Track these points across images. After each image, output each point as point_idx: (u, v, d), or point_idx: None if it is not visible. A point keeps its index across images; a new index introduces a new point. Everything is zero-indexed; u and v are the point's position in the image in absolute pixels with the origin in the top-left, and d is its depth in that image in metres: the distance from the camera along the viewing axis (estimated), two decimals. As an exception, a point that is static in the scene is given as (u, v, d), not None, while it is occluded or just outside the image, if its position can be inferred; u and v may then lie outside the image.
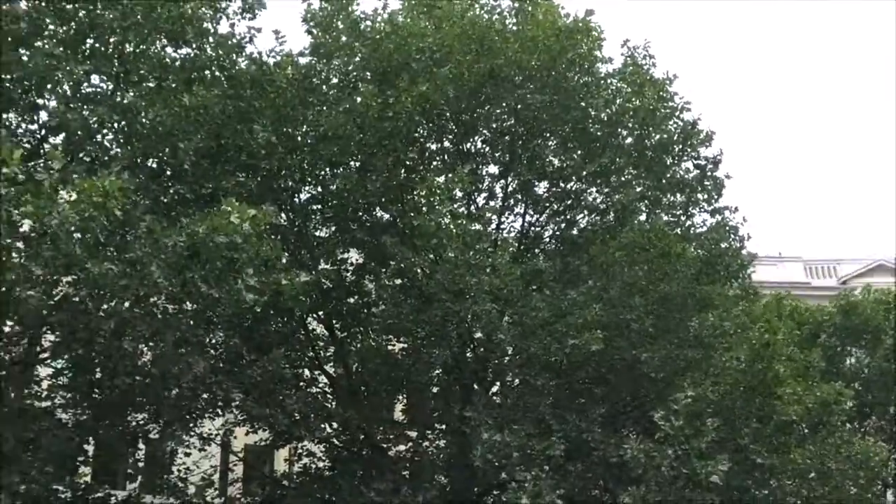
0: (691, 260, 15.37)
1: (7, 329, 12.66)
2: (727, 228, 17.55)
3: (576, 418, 14.37)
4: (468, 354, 15.90)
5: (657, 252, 14.87)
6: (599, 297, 14.57)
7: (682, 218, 17.90)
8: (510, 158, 17.08)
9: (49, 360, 14.24)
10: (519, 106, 16.38)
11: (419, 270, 14.71)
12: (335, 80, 16.06)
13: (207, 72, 14.47)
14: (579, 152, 17.05)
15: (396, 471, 15.43)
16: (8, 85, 13.58)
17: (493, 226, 16.78)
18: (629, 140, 17.34)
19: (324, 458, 16.90)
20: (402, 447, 16.65)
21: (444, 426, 16.74)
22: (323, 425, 14.85)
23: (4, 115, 14.45)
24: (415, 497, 14.31)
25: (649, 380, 14.79)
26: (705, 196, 17.86)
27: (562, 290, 14.51)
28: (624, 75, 17.27)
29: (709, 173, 17.83)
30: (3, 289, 12.17)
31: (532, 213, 17.73)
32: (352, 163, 15.86)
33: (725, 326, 15.15)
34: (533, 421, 13.90)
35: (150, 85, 14.03)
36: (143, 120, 13.12)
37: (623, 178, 17.37)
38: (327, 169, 15.87)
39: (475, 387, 15.76)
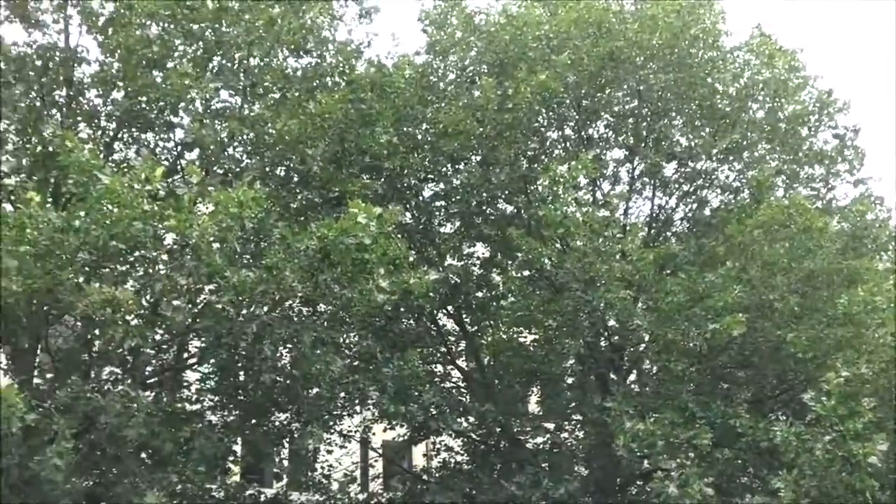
0: (835, 234, 14.64)
1: (157, 337, 13.26)
2: (872, 199, 16.61)
3: (720, 404, 13.92)
4: (602, 343, 15.66)
5: (798, 228, 14.20)
6: (739, 278, 14.02)
7: (823, 191, 17.11)
8: (635, 141, 16.70)
9: (196, 365, 14.90)
10: (642, 87, 16.01)
11: (547, 261, 14.55)
12: (452, 76, 16.14)
13: (328, 79, 14.82)
14: (708, 130, 16.54)
15: (535, 463, 15.32)
16: (144, 107, 14.32)
17: (621, 211, 16.43)
18: (761, 114, 16.70)
19: (462, 452, 17.00)
20: (539, 439, 16.54)
21: (581, 417, 16.58)
22: (459, 419, 14.91)
23: (143, 136, 15.25)
24: (556, 489, 14.18)
25: (796, 361, 14.11)
26: (846, 167, 16.97)
27: (698, 272, 14.04)
28: (751, 47, 16.61)
29: (849, 143, 16.93)
30: (152, 299, 12.86)
31: (661, 195, 17.31)
32: (473, 157, 15.88)
33: (877, 302, 14.27)
34: (675, 408, 13.51)
35: (275, 96, 14.49)
36: (271, 130, 13.51)
37: (756, 154, 16.73)
38: (449, 165, 15.96)
39: (611, 376, 15.49)
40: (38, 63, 14.11)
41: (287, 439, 16.35)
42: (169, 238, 11.33)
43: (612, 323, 14.86)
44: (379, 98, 14.22)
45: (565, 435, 16.62)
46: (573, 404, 17.02)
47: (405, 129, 14.94)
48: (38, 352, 13.39)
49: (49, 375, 13.22)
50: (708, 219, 16.82)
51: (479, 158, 15.79)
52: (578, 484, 14.86)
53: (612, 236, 13.85)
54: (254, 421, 14.98)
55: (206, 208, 11.35)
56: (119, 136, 15.10)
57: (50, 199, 12.96)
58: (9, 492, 11.71)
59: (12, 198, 13.41)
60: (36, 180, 13.38)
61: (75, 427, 10.91)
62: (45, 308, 11.34)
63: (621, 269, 13.55)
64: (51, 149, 13.04)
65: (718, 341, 13.73)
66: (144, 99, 14.11)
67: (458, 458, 17.03)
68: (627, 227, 15.76)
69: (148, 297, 12.80)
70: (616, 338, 15.29)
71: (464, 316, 16.89)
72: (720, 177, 17.25)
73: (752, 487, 14.56)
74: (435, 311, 16.42)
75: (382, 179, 15.01)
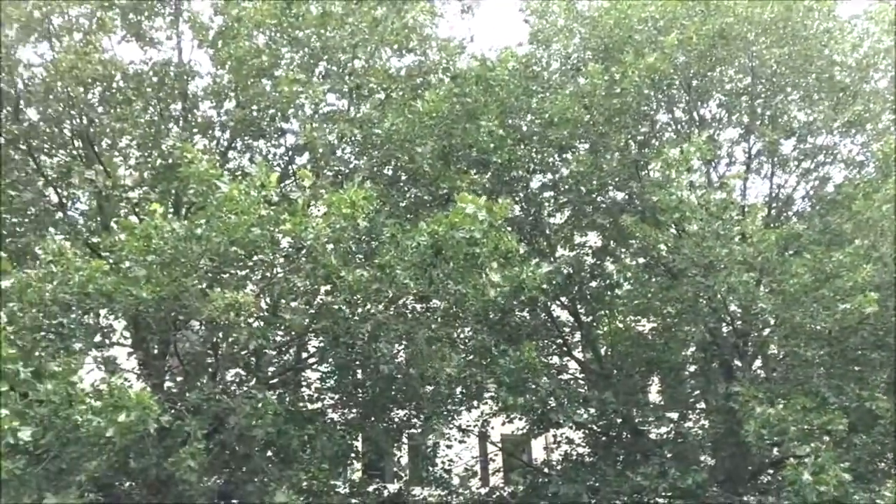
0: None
1: (278, 338, 13.59)
2: None
3: (854, 387, 13.27)
4: (724, 329, 15.18)
5: (931, 201, 13.38)
6: (868, 255, 13.32)
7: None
8: (750, 119, 16.11)
9: (316, 365, 15.21)
10: (754, 63, 15.43)
11: (663, 247, 14.19)
12: (556, 65, 15.93)
13: (432, 76, 14.87)
14: (827, 103, 15.78)
15: (660, 454, 14.99)
16: (256, 115, 14.70)
17: (738, 192, 15.87)
18: (883, 83, 15.85)
19: (583, 444, 16.81)
20: (663, 429, 16.17)
21: (705, 405, 16.12)
22: (580, 410, 14.73)
23: (255, 143, 15.68)
24: (684, 479, 13.83)
25: (936, 339, 13.34)
26: (977, 134, 15.87)
27: (824, 252, 13.40)
28: (870, 15, 15.76)
29: None
30: (272, 302, 13.20)
31: (780, 173, 16.62)
32: (581, 145, 15.63)
33: None
34: (806, 394, 12.96)
35: (380, 96, 14.64)
36: (377, 130, 13.64)
37: (880, 126, 15.86)
38: (557, 155, 15.76)
39: (736, 363, 14.99)
40: (155, 79, 14.69)
41: (406, 435, 16.56)
42: (285, 241, 11.59)
43: (734, 308, 14.38)
44: (484, 92, 14.14)
45: (689, 424, 16.19)
46: (696, 393, 16.60)
47: (510, 121, 14.81)
48: (168, 356, 13.95)
49: (179, 379, 13.75)
50: (832, 196, 16.05)
51: (587, 146, 15.53)
52: (706, 474, 14.46)
53: (731, 218, 13.39)
54: (373, 418, 15.20)
55: (319, 210, 11.55)
56: (233, 144, 15.57)
57: (171, 210, 13.48)
58: (147, 491, 12.25)
59: (137, 210, 14.03)
60: (158, 192, 13.94)
61: (206, 428, 11.29)
62: (172, 314, 11.76)
63: (742, 252, 13.08)
64: (170, 161, 13.57)
65: (849, 322, 13.08)
66: (255, 107, 14.50)
67: (580, 450, 16.84)
68: (746, 209, 15.20)
69: (267, 299, 13.18)
70: (739, 323, 14.78)
71: (578, 307, 16.67)
72: (843, 151, 16.45)
73: (891, 473, 13.84)
74: (549, 303, 16.26)
75: (490, 173, 14.94)
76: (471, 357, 14.77)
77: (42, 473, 9.92)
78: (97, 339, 12.15)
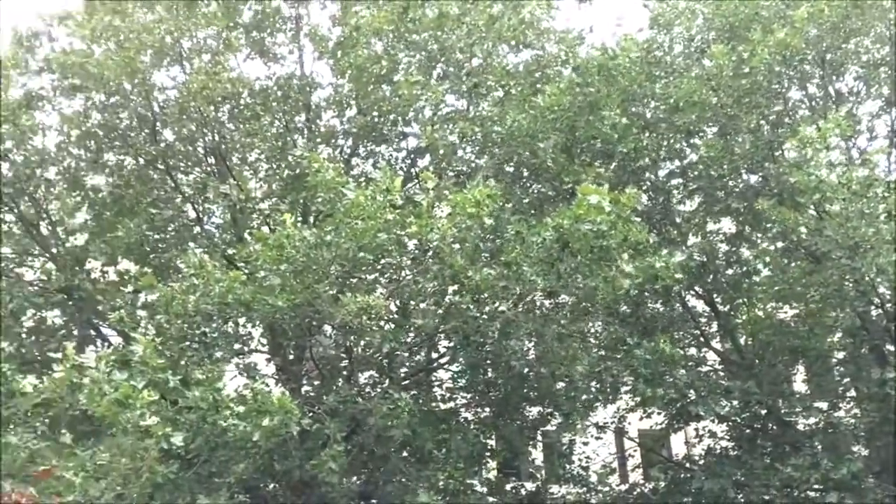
0: None
1: (409, 339, 13.73)
2: None
3: None
4: (874, 313, 14.35)
5: None
6: None
7: None
8: (891, 91, 15.16)
9: (447, 365, 15.28)
10: (893, 31, 14.46)
11: (803, 230, 13.51)
12: (679, 48, 15.43)
13: (550, 70, 14.70)
14: (975, 67, 14.66)
15: (810, 445, 14.30)
16: (377, 121, 14.94)
17: (882, 168, 14.97)
18: None
19: (726, 437, 16.25)
20: (811, 420, 15.43)
21: (856, 392, 15.29)
22: (722, 402, 14.21)
23: (378, 148, 15.93)
24: (837, 470, 13.15)
25: None
26: None
27: None
28: None
29: None
30: (401, 304, 13.35)
31: (926, 145, 15.57)
32: (709, 129, 15.09)
33: None
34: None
35: (498, 94, 14.58)
36: (497, 128, 13.58)
37: None
38: (684, 140, 15.27)
39: (888, 347, 14.15)
40: (279, 93, 15.15)
41: (541, 433, 16.42)
42: (411, 244, 11.69)
43: (883, 290, 13.54)
44: (605, 81, 13.85)
45: (840, 413, 15.38)
46: (846, 380, 15.76)
47: (634, 108, 14.45)
48: (303, 361, 14.33)
49: (316, 383, 14.10)
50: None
51: (716, 130, 14.98)
52: (861, 464, 13.71)
53: (876, 196, 12.59)
54: (506, 417, 15.14)
55: (444, 211, 11.59)
56: (356, 151, 15.87)
57: (301, 219, 13.84)
58: (290, 492, 12.61)
59: (268, 220, 14.50)
60: (287, 202, 14.35)
61: (344, 430, 11.51)
62: (306, 320, 12.05)
63: (890, 231, 12.30)
64: (297, 171, 13.95)
65: None
66: (376, 113, 14.74)
67: (723, 443, 16.29)
68: (892, 185, 14.31)
69: (397, 302, 13.33)
70: (890, 306, 13.91)
71: (714, 296, 16.10)
72: None
73: None
74: (683, 293, 15.78)
75: (615, 164, 14.62)
76: (602, 352, 14.52)
77: (193, 477, 10.37)
78: (237, 346, 12.58)
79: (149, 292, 11.44)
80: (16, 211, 13.97)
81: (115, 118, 14.48)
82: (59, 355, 12.75)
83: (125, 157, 14.98)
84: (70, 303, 13.89)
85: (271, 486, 12.83)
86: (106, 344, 13.92)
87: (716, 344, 16.71)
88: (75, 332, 14.22)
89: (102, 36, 13.56)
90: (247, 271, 11.39)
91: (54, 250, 14.35)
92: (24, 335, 13.64)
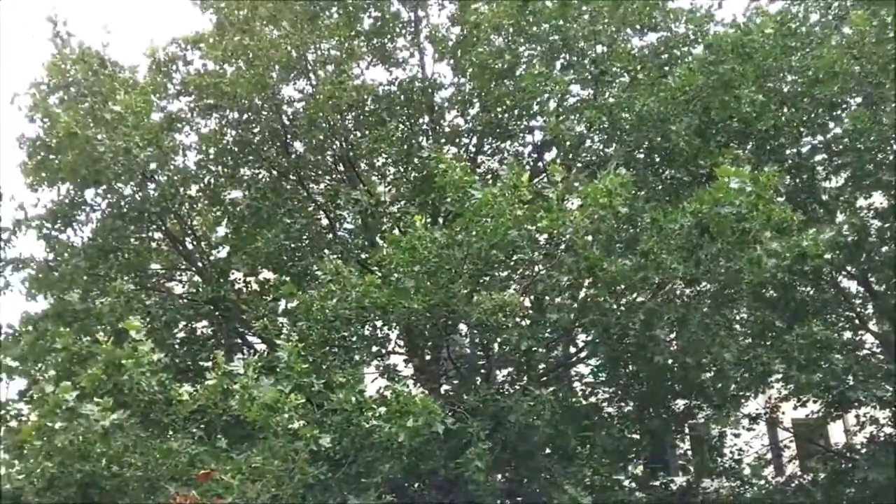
0: None
1: (545, 335, 13.56)
2: None
3: None
4: None
5: None
6: None
7: None
8: None
9: (586, 359, 15.03)
10: None
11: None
12: (815, 17, 14.64)
13: (678, 51, 14.25)
14: None
15: None
16: (501, 116, 14.86)
17: None
18: None
19: (890, 423, 15.30)
20: None
21: None
22: (885, 386, 13.36)
23: (502, 144, 15.86)
24: None
25: None
26: None
27: None
28: None
29: None
30: (535, 299, 13.22)
31: None
32: (853, 100, 14.22)
33: None
34: None
35: (624, 80, 14.24)
36: (626, 115, 13.25)
37: None
38: (826, 114, 14.45)
39: None
40: (402, 97, 15.31)
41: (688, 426, 15.94)
42: (542, 238, 11.54)
43: None
44: (739, 58, 13.25)
45: None
46: None
47: (770, 84, 13.76)
48: (441, 361, 14.41)
49: (455, 382, 14.15)
50: None
51: (860, 100, 14.09)
52: None
53: None
54: (651, 410, 14.77)
55: (574, 204, 11.38)
56: (481, 149, 15.85)
57: (430, 219, 13.92)
58: (436, 492, 12.69)
59: (399, 223, 14.66)
60: (416, 204, 14.47)
61: (486, 428, 11.49)
62: (441, 320, 12.10)
63: None
64: (424, 172, 14.04)
65: None
66: (500, 109, 14.66)
67: (887, 430, 15.35)
68: None
69: (531, 297, 13.21)
70: None
71: (869, 276, 15.17)
72: None
73: None
74: (834, 274, 14.95)
75: (752, 143, 13.99)
76: (749, 340, 13.92)
77: (342, 477, 10.58)
78: (375, 349, 12.77)
79: (289, 300, 11.76)
80: (163, 228, 14.65)
81: (249, 134, 15.00)
82: (210, 364, 13.38)
83: (259, 170, 15.50)
84: (217, 313, 14.46)
85: (416, 485, 12.95)
86: (252, 351, 14.42)
87: (873, 326, 15.75)
88: (223, 341, 14.78)
89: (233, 55, 14.07)
90: (381, 275, 11.52)
91: (200, 264, 14.97)
92: (176, 346, 14.27)
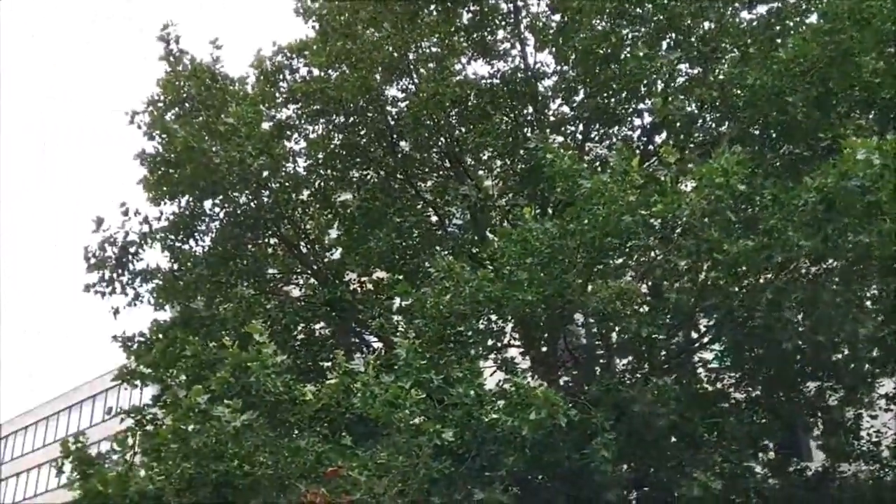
0: None
1: (665, 321, 13.24)
2: None
3: None
4: None
5: None
6: None
7: None
8: None
9: (709, 344, 14.59)
10: None
11: None
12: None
13: (790, 21, 13.66)
14: None
15: None
16: (607, 101, 14.58)
17: None
18: None
19: None
20: None
21: None
22: None
23: (610, 130, 15.56)
24: None
25: None
26: None
27: None
28: None
29: None
30: (653, 285, 12.92)
31: None
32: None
33: None
34: None
35: (734, 55, 13.75)
36: (738, 91, 12.80)
37: None
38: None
39: None
40: (505, 89, 15.20)
41: (820, 409, 15.29)
42: (657, 223, 11.25)
43: None
44: (856, 25, 12.57)
45: None
46: None
47: (891, 49, 13.00)
48: (558, 352, 14.25)
49: (574, 373, 13.97)
50: None
51: None
52: None
53: None
54: (781, 394, 14.22)
55: (688, 185, 11.06)
56: (588, 136, 15.59)
57: (539, 210, 13.79)
58: (560, 483, 12.57)
59: (508, 216, 14.59)
60: (525, 195, 14.36)
61: (610, 418, 11.30)
62: (557, 311, 11.97)
63: None
64: (531, 163, 13.92)
65: None
66: (606, 94, 14.39)
67: None
68: None
69: (648, 283, 12.91)
70: None
71: None
72: None
73: None
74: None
75: (874, 113, 13.27)
76: (882, 317, 13.23)
77: (466, 472, 10.59)
78: (491, 342, 12.74)
79: (403, 298, 11.87)
80: (278, 233, 15.03)
81: (356, 136, 15.23)
82: (330, 364, 13.66)
83: (367, 171, 15.72)
84: (333, 314, 14.74)
85: (541, 477, 12.85)
86: (369, 350, 14.63)
87: None
88: (341, 341, 15.05)
89: (337, 60, 14.31)
90: (493, 268, 11.48)
91: (315, 266, 15.29)
92: (297, 347, 14.61)
